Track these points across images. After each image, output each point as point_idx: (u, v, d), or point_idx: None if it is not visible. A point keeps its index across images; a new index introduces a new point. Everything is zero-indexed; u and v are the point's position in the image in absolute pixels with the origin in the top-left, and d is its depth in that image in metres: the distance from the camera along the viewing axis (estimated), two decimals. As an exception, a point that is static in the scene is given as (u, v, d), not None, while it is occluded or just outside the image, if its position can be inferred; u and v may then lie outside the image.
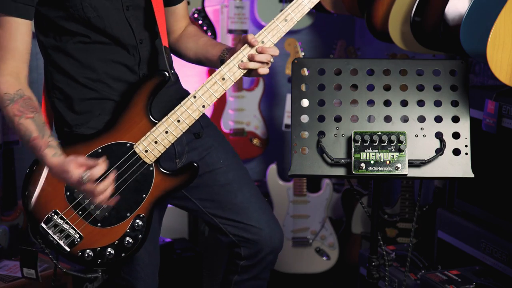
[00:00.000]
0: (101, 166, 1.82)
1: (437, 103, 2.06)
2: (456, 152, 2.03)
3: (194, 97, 1.98)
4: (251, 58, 2.00)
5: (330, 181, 3.80)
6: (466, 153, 2.02)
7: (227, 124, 3.98)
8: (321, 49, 4.32)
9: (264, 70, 2.02)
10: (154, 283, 2.19)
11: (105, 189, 1.84)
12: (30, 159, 4.04)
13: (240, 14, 3.84)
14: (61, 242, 1.95)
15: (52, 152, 1.87)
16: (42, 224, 1.95)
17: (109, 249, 1.98)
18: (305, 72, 2.09)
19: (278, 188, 3.77)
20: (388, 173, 1.99)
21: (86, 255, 1.97)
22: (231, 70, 1.99)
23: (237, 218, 2.24)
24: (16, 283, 2.71)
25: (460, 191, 2.84)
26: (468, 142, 2.03)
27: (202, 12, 3.84)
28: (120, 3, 2.00)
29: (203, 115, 2.28)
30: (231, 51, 2.08)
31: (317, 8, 3.78)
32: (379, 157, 1.99)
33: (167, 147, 1.99)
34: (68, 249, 1.96)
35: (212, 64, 2.19)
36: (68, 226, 1.95)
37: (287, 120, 3.88)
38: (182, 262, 3.37)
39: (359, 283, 3.15)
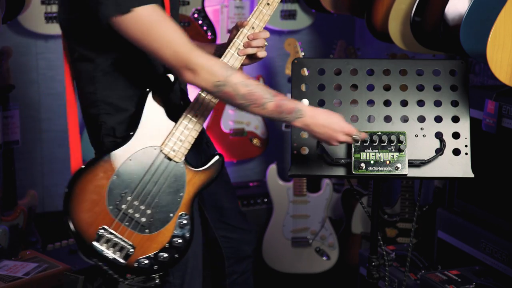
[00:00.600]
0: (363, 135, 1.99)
1: (437, 103, 2.06)
2: (456, 152, 2.03)
3: None
4: (247, 45, 2.04)
5: (330, 181, 3.80)
6: (466, 153, 2.02)
7: (227, 124, 3.98)
8: (321, 49, 4.32)
9: (262, 53, 2.08)
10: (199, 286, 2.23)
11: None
12: (30, 159, 4.04)
13: (240, 14, 3.84)
14: (116, 256, 1.96)
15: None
16: (94, 243, 1.95)
17: (162, 253, 2.00)
18: (305, 72, 2.09)
19: (278, 188, 3.77)
20: (388, 173, 1.99)
21: (143, 264, 1.99)
22: (232, 58, 2.04)
23: (230, 222, 2.37)
24: (16, 283, 2.71)
25: (460, 191, 2.84)
26: (468, 142, 2.03)
27: (202, 12, 3.84)
28: None
29: None
30: (224, 46, 2.12)
31: (317, 8, 3.79)
32: (379, 157, 1.99)
33: (192, 143, 2.02)
34: (124, 262, 1.97)
35: None
36: (119, 239, 1.96)
37: (287, 120, 3.88)
38: (182, 262, 3.37)
39: (359, 283, 3.15)
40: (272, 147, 4.22)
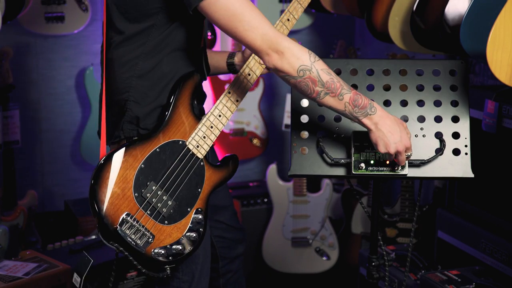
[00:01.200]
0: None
1: (437, 103, 2.06)
2: (456, 152, 2.03)
3: (229, 92, 2.12)
4: None
5: (330, 181, 3.80)
6: (466, 153, 2.02)
7: (227, 124, 3.98)
8: (321, 49, 4.32)
9: None
10: (206, 284, 2.26)
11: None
12: (30, 159, 4.03)
13: (240, 14, 3.83)
14: (138, 242, 2.00)
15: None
16: (118, 227, 1.98)
17: (177, 246, 2.05)
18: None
19: (278, 188, 3.77)
20: (388, 173, 1.99)
21: (159, 253, 2.03)
22: (254, 66, 2.15)
23: (224, 221, 2.42)
24: (16, 283, 2.71)
25: (460, 191, 2.84)
26: (468, 142, 2.03)
27: (202, 12, 3.84)
28: None
29: None
30: (237, 54, 2.33)
31: (317, 8, 3.79)
32: (379, 157, 1.99)
33: (214, 140, 2.09)
34: (144, 249, 2.01)
35: (218, 70, 2.38)
36: (141, 226, 2.01)
37: (287, 120, 3.88)
38: (182, 262, 3.37)
39: (359, 283, 3.15)
40: (272, 147, 4.23)
